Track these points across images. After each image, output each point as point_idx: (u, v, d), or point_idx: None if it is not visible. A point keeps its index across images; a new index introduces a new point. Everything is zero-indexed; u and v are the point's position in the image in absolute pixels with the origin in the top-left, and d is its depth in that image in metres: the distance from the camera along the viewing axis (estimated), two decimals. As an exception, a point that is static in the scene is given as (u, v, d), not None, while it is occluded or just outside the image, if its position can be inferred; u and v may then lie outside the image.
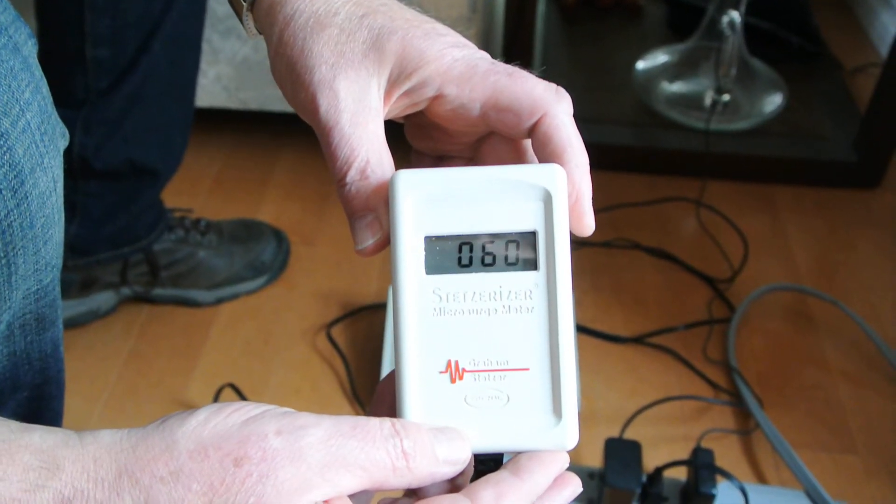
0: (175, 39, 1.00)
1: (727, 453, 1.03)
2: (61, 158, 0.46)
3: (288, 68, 0.41)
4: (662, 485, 0.94)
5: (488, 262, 0.39)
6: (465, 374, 0.38)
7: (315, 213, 1.36)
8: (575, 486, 0.38)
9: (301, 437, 0.34)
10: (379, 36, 0.40)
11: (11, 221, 0.42)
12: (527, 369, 0.38)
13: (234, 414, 0.34)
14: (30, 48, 0.45)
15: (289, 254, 1.26)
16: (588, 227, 0.40)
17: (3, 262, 0.42)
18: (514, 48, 1.40)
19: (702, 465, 0.91)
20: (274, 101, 1.39)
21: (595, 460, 0.99)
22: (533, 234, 0.39)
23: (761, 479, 1.01)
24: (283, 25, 0.42)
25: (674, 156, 1.44)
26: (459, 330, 0.38)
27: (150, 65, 1.00)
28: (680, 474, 0.96)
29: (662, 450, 0.99)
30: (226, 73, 1.37)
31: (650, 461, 0.96)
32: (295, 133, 1.51)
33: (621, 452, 0.93)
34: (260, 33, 0.45)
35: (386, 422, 0.35)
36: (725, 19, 1.41)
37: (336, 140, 0.40)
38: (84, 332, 1.15)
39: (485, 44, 1.36)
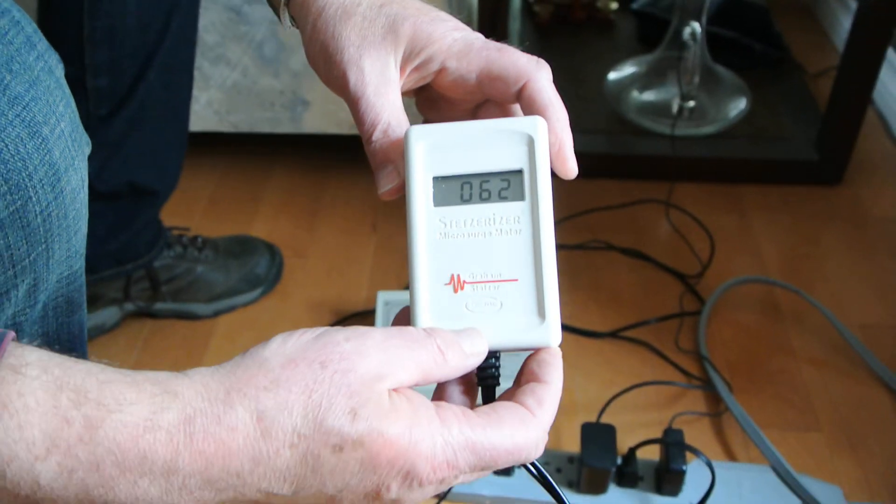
0: (169, 67, 1.07)
1: (699, 435, 1.09)
2: (86, 162, 0.54)
3: (322, 50, 0.51)
4: (637, 464, 1.01)
5: (485, 196, 0.47)
6: (466, 285, 0.47)
7: (306, 228, 1.43)
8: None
9: (365, 339, 0.41)
10: (394, 22, 0.50)
11: (50, 212, 0.50)
12: (516, 280, 0.46)
13: (304, 335, 0.41)
14: (60, 70, 0.54)
15: (282, 266, 1.33)
16: (571, 170, 0.49)
17: (43, 247, 0.50)
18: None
19: (672, 444, 0.98)
20: (263, 123, 1.47)
21: (574, 447, 1.05)
22: (520, 171, 0.47)
23: (731, 458, 1.08)
24: (315, 16, 0.51)
25: (645, 161, 1.52)
26: (460, 250, 0.47)
27: (147, 92, 1.07)
28: (653, 455, 1.02)
29: (638, 434, 1.05)
30: (216, 98, 1.44)
31: (626, 445, 1.02)
32: (284, 153, 1.59)
33: (597, 435, 1.00)
34: (293, 25, 0.54)
35: (421, 329, 0.44)
36: (687, 30, 1.49)
37: (364, 107, 0.49)
38: (90, 347, 1.21)
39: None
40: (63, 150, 0.51)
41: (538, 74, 0.49)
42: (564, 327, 1.21)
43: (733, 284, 1.30)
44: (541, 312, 0.46)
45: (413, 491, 0.41)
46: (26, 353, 0.39)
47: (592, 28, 1.87)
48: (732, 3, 1.79)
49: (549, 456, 1.04)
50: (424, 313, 0.47)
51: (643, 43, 1.79)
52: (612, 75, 1.65)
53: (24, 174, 0.48)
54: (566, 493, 0.99)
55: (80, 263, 0.56)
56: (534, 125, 0.47)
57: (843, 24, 1.86)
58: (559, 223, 1.41)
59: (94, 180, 1.09)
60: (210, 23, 1.35)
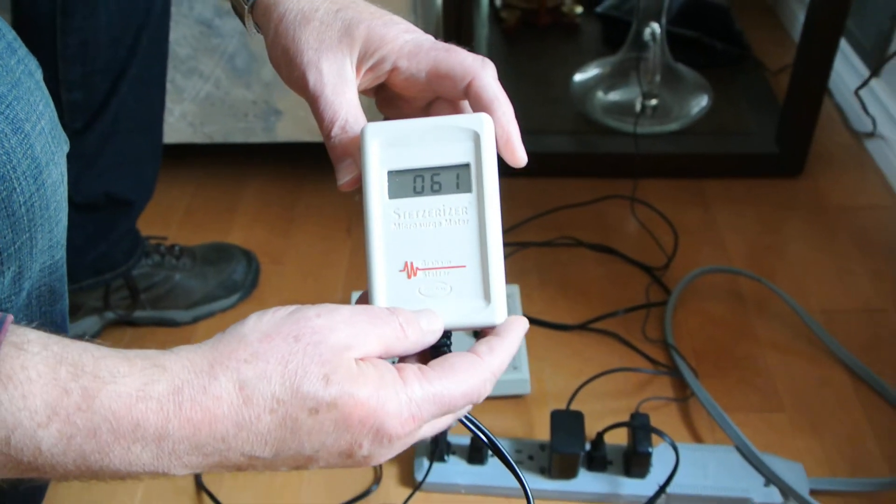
0: (141, 80, 1.10)
1: (666, 420, 1.13)
2: (65, 159, 0.58)
3: (283, 53, 0.55)
4: (605, 449, 1.04)
5: (436, 188, 0.51)
6: (419, 272, 0.51)
7: (281, 235, 1.46)
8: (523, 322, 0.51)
9: (334, 315, 0.45)
10: (350, 25, 0.54)
11: (33, 203, 0.54)
12: (464, 266, 0.50)
13: (277, 312, 0.46)
14: (39, 74, 0.57)
15: (258, 272, 1.36)
16: (521, 159, 0.52)
17: (27, 236, 0.53)
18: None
19: (638, 427, 1.02)
20: (237, 133, 1.50)
21: (546, 435, 1.09)
22: (467, 165, 0.51)
23: (698, 440, 1.11)
24: (276, 22, 0.55)
25: (610, 159, 1.56)
26: (413, 239, 0.51)
27: (120, 105, 1.10)
28: (622, 440, 1.06)
29: (607, 421, 1.08)
30: (190, 111, 1.47)
31: (596, 431, 1.05)
32: (258, 163, 1.62)
33: (566, 422, 1.03)
34: (258, 31, 0.59)
35: (385, 308, 0.48)
36: (648, 31, 1.53)
37: (323, 105, 0.53)
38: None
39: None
40: (44, 146, 0.55)
41: (483, 72, 0.52)
42: (533, 321, 1.25)
43: (698, 275, 1.34)
44: (486, 295, 0.50)
45: (383, 447, 0.45)
46: (27, 332, 0.42)
47: (558, 32, 1.91)
48: (694, 4, 1.84)
49: (521, 444, 1.07)
50: (381, 298, 0.50)
51: (608, 45, 1.83)
52: (578, 77, 1.69)
53: (8, 166, 0.52)
54: (534, 477, 1.03)
55: (61, 254, 0.60)
56: (479, 122, 0.51)
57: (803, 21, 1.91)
58: (529, 221, 1.45)
59: (71, 192, 1.11)
60: (182, 36, 1.39)
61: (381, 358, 0.47)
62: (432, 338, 0.49)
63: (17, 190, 0.52)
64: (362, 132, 0.51)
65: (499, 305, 0.50)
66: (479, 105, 0.52)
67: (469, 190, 0.51)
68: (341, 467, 0.47)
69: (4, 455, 0.40)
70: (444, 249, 0.50)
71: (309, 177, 1.57)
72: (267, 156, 1.60)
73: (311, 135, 1.49)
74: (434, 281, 0.50)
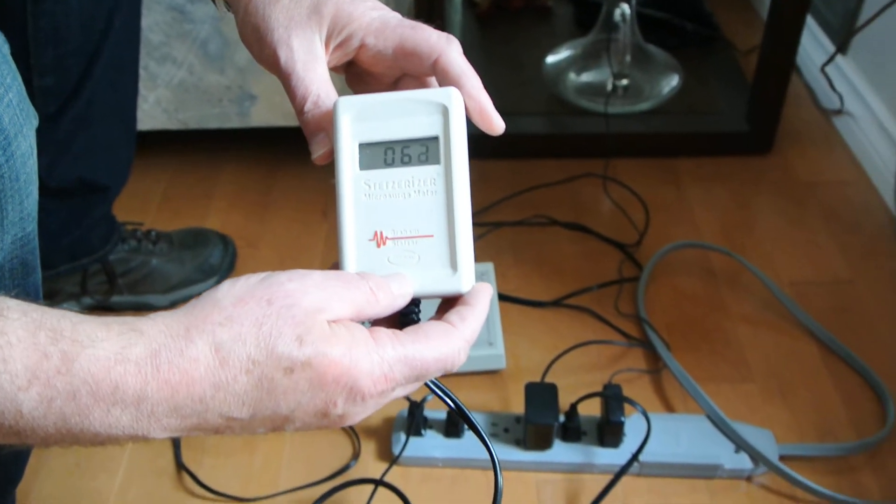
0: (114, 64, 1.11)
1: (639, 392, 1.15)
2: (34, 133, 0.59)
3: (253, 31, 0.56)
4: (579, 420, 1.06)
5: (405, 160, 0.52)
6: (388, 241, 0.52)
7: (257, 220, 1.47)
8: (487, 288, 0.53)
9: (306, 279, 0.47)
10: (318, 2, 0.55)
11: (3, 174, 0.55)
12: (431, 236, 0.52)
13: (250, 279, 0.47)
14: (6, 49, 0.58)
15: (235, 256, 1.37)
16: (498, 126, 0.54)
17: None
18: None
19: (611, 397, 1.04)
20: (211, 119, 1.50)
21: (521, 409, 1.10)
22: (436, 138, 0.52)
23: (670, 410, 1.14)
24: (246, 0, 0.56)
25: (583, 139, 1.58)
26: (383, 209, 0.52)
27: (93, 90, 1.10)
28: (595, 412, 1.08)
29: (581, 393, 1.10)
30: (165, 97, 1.48)
31: (570, 403, 1.07)
32: (234, 148, 1.62)
33: (540, 394, 1.05)
34: (228, 10, 0.60)
35: (355, 273, 0.50)
36: (618, 12, 1.55)
37: (295, 82, 0.54)
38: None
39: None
40: (12, 118, 0.56)
41: (449, 48, 0.54)
42: (508, 298, 1.27)
43: (670, 250, 1.36)
44: (453, 264, 0.51)
45: (357, 405, 0.46)
46: (6, 300, 0.43)
47: (530, 15, 1.93)
48: (664, -15, 1.86)
49: (497, 417, 1.09)
50: (352, 265, 0.52)
51: (580, 27, 1.85)
52: (550, 59, 1.71)
53: None
54: (510, 449, 1.05)
55: (32, 226, 0.61)
56: (448, 95, 0.52)
57: (771, 2, 1.93)
58: (503, 201, 1.46)
59: (45, 177, 1.12)
60: (154, 22, 1.39)
61: (353, 321, 0.48)
62: (402, 301, 0.50)
63: None
64: (335, 105, 0.52)
65: (466, 274, 0.51)
66: (446, 80, 0.53)
67: (437, 162, 0.52)
68: (317, 428, 0.48)
69: None
70: (412, 219, 0.52)
71: (284, 161, 1.58)
72: (242, 141, 1.61)
73: (285, 119, 1.50)
74: (403, 250, 0.52)
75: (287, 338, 0.44)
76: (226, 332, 0.44)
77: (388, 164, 0.52)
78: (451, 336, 0.49)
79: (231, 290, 0.46)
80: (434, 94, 0.52)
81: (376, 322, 0.51)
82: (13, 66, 0.58)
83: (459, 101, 0.52)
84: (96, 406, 0.42)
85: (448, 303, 0.53)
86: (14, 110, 0.56)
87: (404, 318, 0.52)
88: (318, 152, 0.55)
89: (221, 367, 0.44)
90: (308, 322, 0.45)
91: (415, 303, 0.52)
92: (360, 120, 0.52)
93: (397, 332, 0.48)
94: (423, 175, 0.52)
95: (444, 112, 0.52)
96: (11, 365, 0.41)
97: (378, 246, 0.52)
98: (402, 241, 0.52)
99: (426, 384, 0.52)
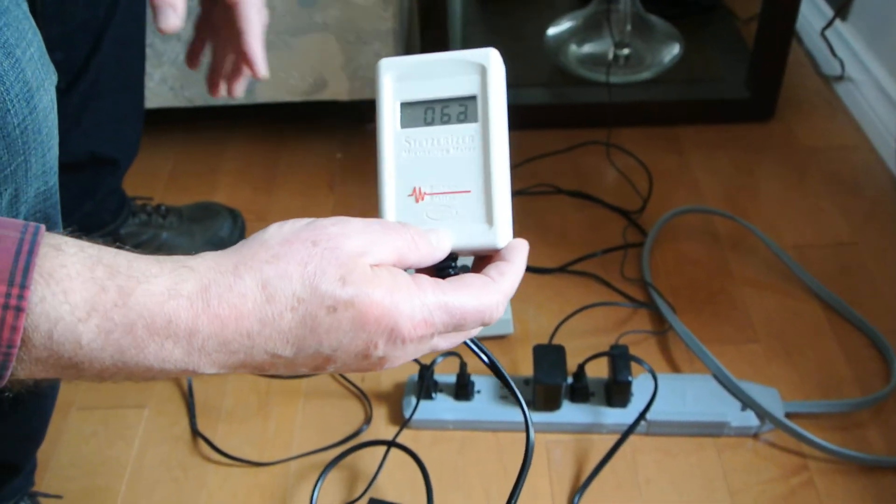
0: (121, 40, 1.12)
1: (646, 353, 1.16)
2: (54, 89, 0.60)
3: None
4: (587, 381, 1.08)
5: (445, 119, 0.54)
6: (426, 196, 0.54)
7: (264, 193, 1.49)
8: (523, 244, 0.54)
9: (348, 224, 0.48)
10: None
11: (27, 126, 0.56)
12: (469, 191, 0.53)
13: (297, 222, 0.48)
14: (25, 6, 0.59)
15: (244, 229, 1.38)
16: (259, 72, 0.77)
17: (22, 158, 0.56)
18: (430, 26, 1.53)
19: (618, 356, 1.05)
20: (217, 95, 1.51)
21: (529, 372, 1.12)
22: (474, 97, 0.54)
23: (676, 371, 1.15)
24: None
25: (585, 109, 1.59)
26: (422, 165, 0.54)
27: (101, 65, 1.12)
28: (603, 373, 1.10)
29: (588, 355, 1.12)
30: (171, 74, 1.49)
31: (577, 364, 1.09)
32: (239, 124, 1.64)
33: (548, 355, 1.07)
34: None
35: (397, 222, 0.52)
36: (618, -19, 1.56)
37: None
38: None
39: (403, 23, 1.50)
40: (34, 71, 0.57)
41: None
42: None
43: (674, 215, 1.37)
44: (489, 219, 0.53)
45: (397, 348, 0.48)
46: (60, 236, 0.44)
47: (531, -12, 1.93)
48: (664, -44, 1.86)
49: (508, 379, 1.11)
50: (391, 219, 0.54)
51: (581, -1, 1.86)
52: (552, 31, 1.71)
53: (1, 88, 0.54)
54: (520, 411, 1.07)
55: (54, 180, 0.62)
56: (486, 56, 0.54)
57: (771, -30, 1.94)
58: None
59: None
60: None
61: (394, 266, 0.49)
62: (441, 254, 0.52)
63: (12, 112, 0.54)
64: (377, 66, 0.55)
65: (502, 229, 0.53)
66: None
67: (475, 120, 0.54)
68: (356, 370, 0.49)
69: (48, 350, 0.42)
70: (450, 176, 0.54)
71: (290, 136, 1.59)
72: (248, 117, 1.62)
73: (290, 95, 1.51)
74: (440, 205, 0.53)
75: (331, 277, 0.45)
76: (272, 269, 0.45)
77: (428, 122, 0.54)
78: (490, 288, 0.50)
79: (278, 232, 0.48)
80: (472, 54, 0.54)
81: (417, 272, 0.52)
82: (33, 22, 0.59)
83: (498, 61, 0.54)
84: (151, 339, 0.43)
85: (483, 260, 0.54)
86: (36, 64, 0.57)
87: (440, 273, 0.53)
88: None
89: (268, 302, 0.45)
90: (350, 264, 0.46)
91: (452, 258, 0.53)
92: (401, 79, 0.55)
93: (439, 280, 0.49)
94: (462, 133, 0.54)
95: (483, 72, 0.54)
96: (72, 296, 0.42)
97: (417, 201, 0.54)
98: (439, 196, 0.53)
99: (465, 343, 0.53)
